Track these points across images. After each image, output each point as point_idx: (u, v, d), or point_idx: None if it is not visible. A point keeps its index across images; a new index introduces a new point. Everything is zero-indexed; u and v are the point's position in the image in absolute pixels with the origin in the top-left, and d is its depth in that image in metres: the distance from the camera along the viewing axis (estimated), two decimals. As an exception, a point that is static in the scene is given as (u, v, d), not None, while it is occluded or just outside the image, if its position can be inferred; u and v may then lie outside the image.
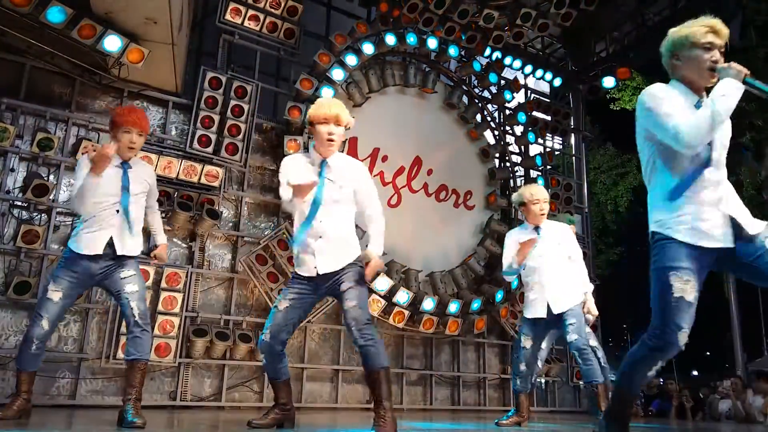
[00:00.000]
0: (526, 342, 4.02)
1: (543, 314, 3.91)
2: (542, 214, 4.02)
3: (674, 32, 2.28)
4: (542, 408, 7.20)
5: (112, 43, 4.56)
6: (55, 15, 4.39)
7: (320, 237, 2.85)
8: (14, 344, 4.55)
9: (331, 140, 2.84)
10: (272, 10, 6.08)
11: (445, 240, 7.01)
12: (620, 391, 2.28)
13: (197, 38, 6.48)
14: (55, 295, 2.97)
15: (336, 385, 5.94)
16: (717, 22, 2.23)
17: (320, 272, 2.82)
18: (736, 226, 2.11)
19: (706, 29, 2.21)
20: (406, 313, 6.05)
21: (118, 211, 3.05)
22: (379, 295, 5.88)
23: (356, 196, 2.99)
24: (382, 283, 5.88)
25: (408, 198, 6.83)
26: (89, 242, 3.00)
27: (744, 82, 2.07)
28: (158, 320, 4.89)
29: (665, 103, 2.15)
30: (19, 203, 4.75)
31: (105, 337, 4.80)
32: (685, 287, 2.07)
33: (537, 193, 4.01)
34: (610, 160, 15.37)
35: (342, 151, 6.83)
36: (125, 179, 3.08)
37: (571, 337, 3.82)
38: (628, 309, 20.02)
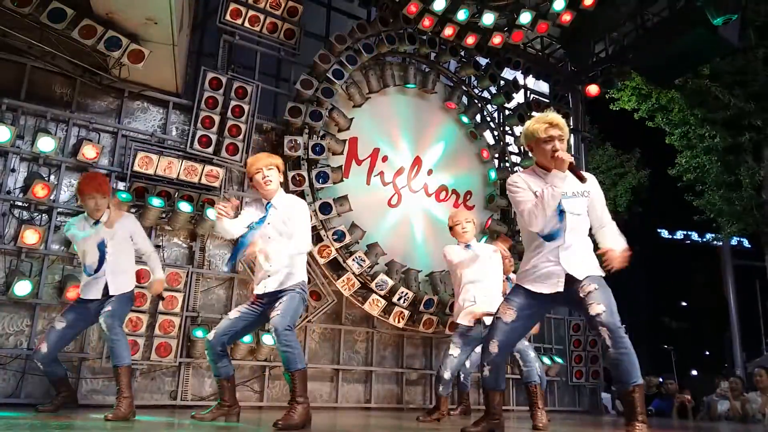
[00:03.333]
0: (455, 350, 4.26)
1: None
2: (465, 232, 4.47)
3: (525, 128, 2.88)
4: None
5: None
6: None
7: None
8: (14, 344, 4.56)
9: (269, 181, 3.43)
10: (272, 11, 6.09)
11: (445, 240, 6.98)
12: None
13: (198, 39, 6.49)
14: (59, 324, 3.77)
15: (336, 384, 5.95)
16: (554, 117, 2.80)
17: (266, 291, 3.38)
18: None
19: (545, 125, 2.77)
20: (406, 313, 6.06)
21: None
22: (379, 295, 5.90)
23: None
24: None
25: (408, 198, 6.84)
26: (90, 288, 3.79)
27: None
28: (159, 320, 4.90)
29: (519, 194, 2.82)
30: (20, 203, 4.76)
31: (105, 337, 4.80)
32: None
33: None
34: (609, 160, 15.36)
35: (342, 152, 6.86)
36: (101, 245, 3.72)
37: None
38: (627, 308, 20.04)
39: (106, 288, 3.72)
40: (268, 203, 3.45)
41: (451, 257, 4.44)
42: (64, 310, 3.86)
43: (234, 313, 3.47)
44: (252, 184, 3.49)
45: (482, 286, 4.30)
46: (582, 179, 2.72)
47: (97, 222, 3.74)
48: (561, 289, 2.73)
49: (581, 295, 2.67)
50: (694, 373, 22.25)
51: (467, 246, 4.44)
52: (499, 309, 2.91)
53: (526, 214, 2.72)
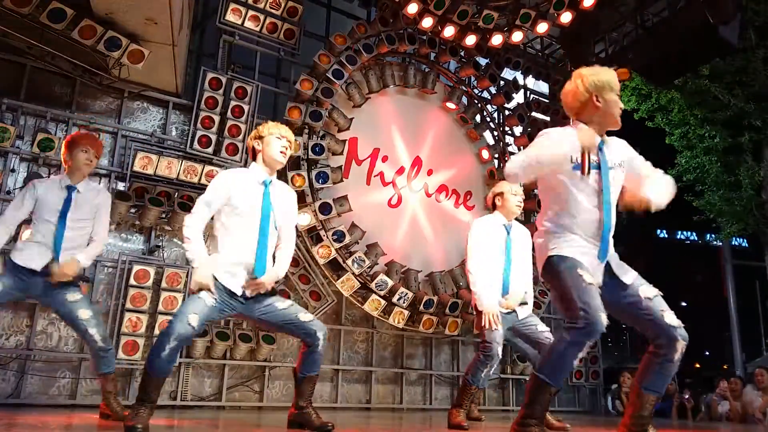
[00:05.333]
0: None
1: None
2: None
3: (595, 73, 2.47)
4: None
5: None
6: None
7: None
8: (14, 344, 4.56)
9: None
10: (272, 11, 6.09)
11: (445, 240, 7.01)
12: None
13: (197, 39, 6.50)
14: None
15: (336, 384, 5.95)
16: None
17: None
18: None
19: (616, 77, 2.47)
20: (406, 313, 6.06)
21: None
22: (379, 295, 5.90)
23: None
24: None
25: (408, 198, 6.84)
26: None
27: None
28: (158, 320, 4.90)
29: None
30: (20, 203, 4.75)
31: (105, 337, 4.80)
32: None
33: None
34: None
35: (342, 152, 6.84)
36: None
37: None
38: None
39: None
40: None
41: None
42: None
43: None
44: (260, 142, 2.99)
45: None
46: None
47: (72, 187, 3.34)
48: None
49: (639, 295, 2.36)
50: (697, 366, 22.24)
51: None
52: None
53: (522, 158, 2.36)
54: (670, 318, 2.30)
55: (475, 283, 3.69)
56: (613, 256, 2.44)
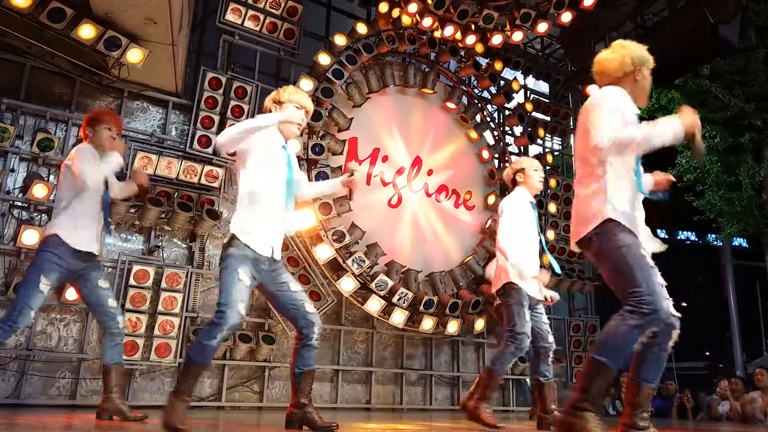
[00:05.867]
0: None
1: None
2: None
3: (637, 48, 2.55)
4: (542, 408, 7.20)
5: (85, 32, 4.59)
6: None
7: None
8: (14, 344, 4.55)
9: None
10: (272, 11, 6.08)
11: (445, 240, 7.01)
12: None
13: (197, 39, 6.49)
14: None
15: (336, 385, 5.95)
16: None
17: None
18: None
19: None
20: (406, 313, 6.05)
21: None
22: (379, 296, 5.89)
23: None
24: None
25: (408, 198, 6.84)
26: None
27: None
28: (158, 320, 4.89)
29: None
30: (19, 203, 4.75)
31: (105, 337, 4.80)
32: None
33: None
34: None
35: (342, 152, 6.84)
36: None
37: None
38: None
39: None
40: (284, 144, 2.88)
41: None
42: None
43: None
44: (278, 107, 2.87)
45: None
46: None
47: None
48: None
49: None
50: (698, 364, 22.22)
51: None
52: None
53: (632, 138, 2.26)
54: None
55: (508, 255, 3.57)
56: None
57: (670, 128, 2.27)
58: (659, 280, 2.24)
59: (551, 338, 3.88)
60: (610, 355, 2.21)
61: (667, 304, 2.20)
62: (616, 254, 2.30)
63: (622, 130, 2.29)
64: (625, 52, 2.54)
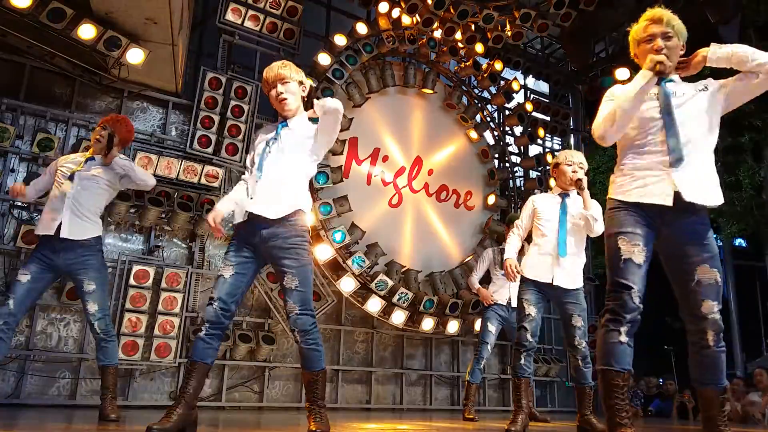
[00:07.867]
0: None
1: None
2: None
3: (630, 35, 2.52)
4: (542, 408, 7.19)
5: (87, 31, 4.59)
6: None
7: None
8: (14, 344, 4.55)
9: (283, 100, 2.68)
10: (272, 11, 6.08)
11: (445, 240, 7.01)
12: None
13: (197, 39, 6.48)
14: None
15: (336, 385, 5.95)
16: (657, 11, 2.38)
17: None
18: None
19: (645, 23, 2.42)
20: (406, 313, 6.05)
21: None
22: (379, 296, 5.89)
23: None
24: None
25: (409, 198, 6.84)
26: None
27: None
28: (158, 320, 4.89)
29: None
30: (19, 203, 4.75)
31: (105, 337, 4.79)
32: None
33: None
34: (609, 161, 15.33)
35: (342, 152, 6.84)
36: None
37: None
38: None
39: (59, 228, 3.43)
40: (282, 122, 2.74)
41: None
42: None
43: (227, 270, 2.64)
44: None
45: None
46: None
47: (90, 158, 3.72)
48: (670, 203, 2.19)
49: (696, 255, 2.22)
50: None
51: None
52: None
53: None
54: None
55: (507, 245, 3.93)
56: None
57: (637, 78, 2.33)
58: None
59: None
60: (606, 361, 2.34)
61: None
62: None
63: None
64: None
